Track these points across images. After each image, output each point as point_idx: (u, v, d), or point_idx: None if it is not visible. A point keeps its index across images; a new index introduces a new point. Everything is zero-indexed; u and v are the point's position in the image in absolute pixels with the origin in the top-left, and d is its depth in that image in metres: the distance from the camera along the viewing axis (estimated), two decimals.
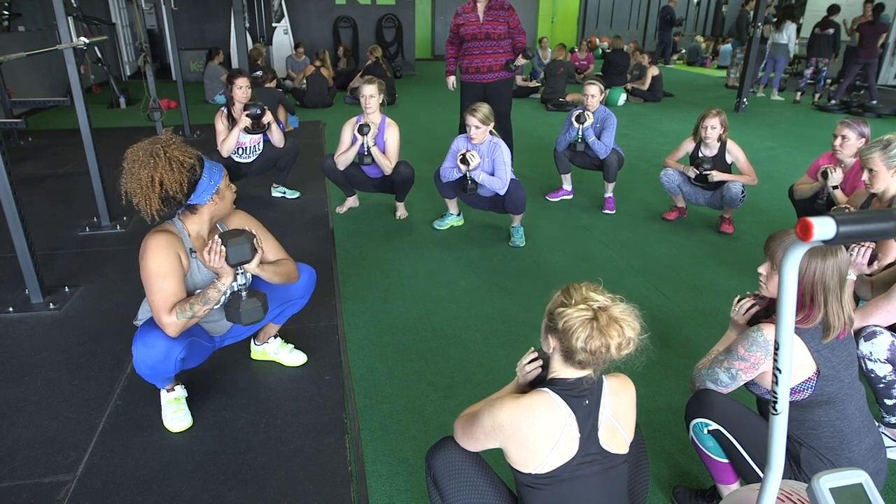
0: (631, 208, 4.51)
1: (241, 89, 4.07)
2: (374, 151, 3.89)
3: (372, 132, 3.86)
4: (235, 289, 2.01)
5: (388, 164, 3.93)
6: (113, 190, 3.92)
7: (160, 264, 1.88)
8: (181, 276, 1.94)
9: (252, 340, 2.53)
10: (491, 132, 3.65)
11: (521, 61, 4.69)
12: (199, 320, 1.97)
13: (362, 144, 3.87)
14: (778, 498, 1.10)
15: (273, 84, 6.82)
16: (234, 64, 9.47)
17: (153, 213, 1.90)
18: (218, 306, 2.01)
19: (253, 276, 2.09)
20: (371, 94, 3.82)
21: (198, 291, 1.96)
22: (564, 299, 1.30)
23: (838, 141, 3.24)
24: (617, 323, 1.24)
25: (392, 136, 3.95)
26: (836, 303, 1.51)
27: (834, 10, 8.94)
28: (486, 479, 1.44)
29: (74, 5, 6.87)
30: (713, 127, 3.79)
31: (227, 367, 2.49)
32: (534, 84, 9.79)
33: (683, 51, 15.14)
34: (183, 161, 1.89)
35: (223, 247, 1.88)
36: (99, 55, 7.92)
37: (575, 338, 1.25)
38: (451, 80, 4.93)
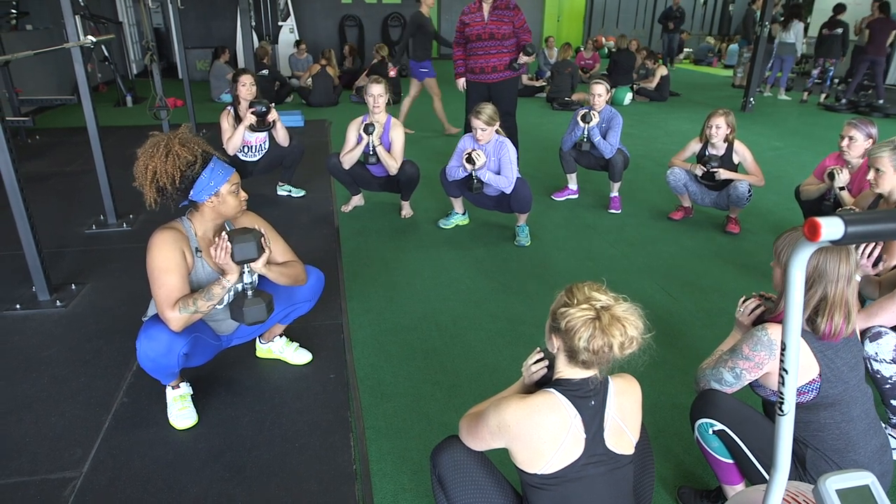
0: (636, 208, 4.50)
1: (246, 86, 4.10)
2: (380, 151, 3.89)
3: (377, 132, 3.86)
4: (241, 287, 2.01)
5: (393, 163, 3.93)
6: (119, 188, 3.92)
7: (164, 259, 1.90)
8: (185, 272, 1.95)
9: (257, 339, 2.54)
10: (497, 131, 3.65)
11: (523, 59, 4.65)
12: (203, 316, 1.97)
13: (367, 144, 3.88)
14: (784, 499, 1.09)
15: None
16: (240, 62, 9.47)
17: (150, 201, 1.94)
18: (222, 306, 2.02)
19: (260, 276, 2.09)
20: (379, 93, 3.83)
21: (203, 288, 1.96)
22: (567, 299, 1.30)
23: (845, 142, 3.20)
24: (619, 322, 1.24)
25: (397, 135, 3.95)
26: (838, 305, 1.50)
27: (840, 9, 8.82)
28: (492, 479, 1.44)
29: (82, 4, 6.90)
30: (718, 126, 3.77)
31: (233, 365, 2.50)
32: (539, 83, 9.77)
33: (690, 50, 15.07)
34: (181, 155, 1.89)
35: (229, 243, 1.89)
36: (106, 54, 7.95)
37: (577, 337, 1.25)
38: (461, 81, 4.91)
